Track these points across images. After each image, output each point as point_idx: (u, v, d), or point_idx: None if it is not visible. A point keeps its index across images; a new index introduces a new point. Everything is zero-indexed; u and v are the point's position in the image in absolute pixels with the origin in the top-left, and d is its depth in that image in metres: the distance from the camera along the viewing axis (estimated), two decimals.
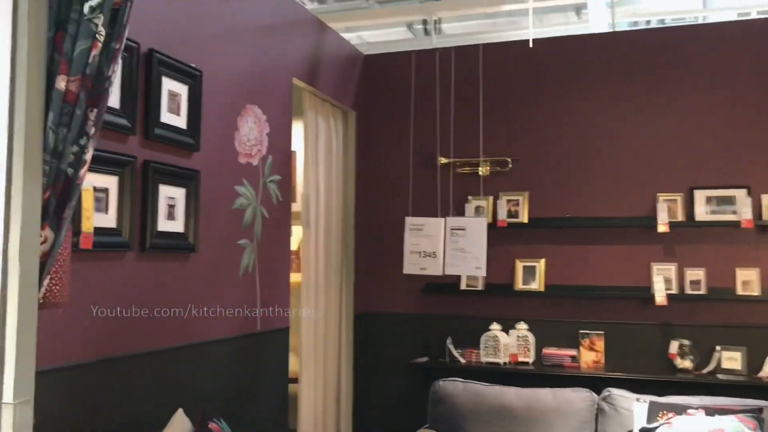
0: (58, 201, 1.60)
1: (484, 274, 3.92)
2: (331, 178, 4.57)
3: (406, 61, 4.92)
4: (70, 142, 1.59)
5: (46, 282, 1.64)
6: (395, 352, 4.80)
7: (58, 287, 1.90)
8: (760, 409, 2.88)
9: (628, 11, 4.75)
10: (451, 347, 4.59)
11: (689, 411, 2.94)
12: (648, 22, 5.02)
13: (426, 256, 3.79)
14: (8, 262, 1.50)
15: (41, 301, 1.86)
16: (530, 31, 3.59)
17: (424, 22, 5.27)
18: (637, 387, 3.99)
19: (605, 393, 3.30)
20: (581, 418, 3.21)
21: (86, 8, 1.59)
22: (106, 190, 2.53)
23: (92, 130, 1.62)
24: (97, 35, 1.59)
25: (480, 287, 4.64)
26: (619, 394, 3.25)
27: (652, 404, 3.07)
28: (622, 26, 4.71)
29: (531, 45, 3.92)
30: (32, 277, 1.54)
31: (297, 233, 4.44)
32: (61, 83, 1.58)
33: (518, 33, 4.97)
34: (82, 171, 1.61)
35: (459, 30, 5.41)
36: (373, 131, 5.02)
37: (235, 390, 3.35)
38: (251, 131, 3.52)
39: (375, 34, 5.49)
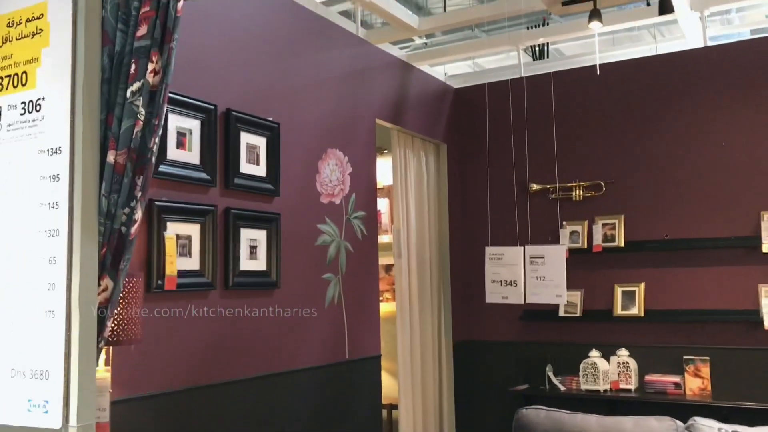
0: (113, 255, 1.91)
1: (565, 302, 3.91)
2: (423, 209, 4.74)
3: (495, 92, 5.01)
4: (120, 205, 1.90)
5: (109, 323, 1.94)
6: (495, 380, 4.84)
7: (129, 327, 2.23)
8: None
9: (723, 22, 4.58)
10: (551, 374, 4.57)
11: None
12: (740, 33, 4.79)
13: (507, 285, 3.84)
14: (71, 309, 1.81)
15: (112, 340, 2.19)
16: (596, 56, 3.59)
17: (533, 47, 5.30)
18: (748, 416, 3.78)
19: (690, 422, 3.18)
20: None
21: (128, 93, 1.90)
22: (189, 237, 2.86)
23: (140, 194, 1.92)
24: (138, 115, 1.89)
25: (578, 314, 4.60)
26: (704, 424, 3.12)
27: None
28: (717, 39, 4.53)
29: (598, 72, 3.90)
30: (91, 320, 1.84)
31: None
32: (110, 157, 1.89)
33: (627, 51, 4.91)
34: (134, 228, 1.91)
35: (573, 50, 5.40)
36: (465, 162, 5.14)
37: (326, 417, 3.58)
38: (333, 173, 3.79)
39: (487, 61, 5.59)
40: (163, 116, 1.95)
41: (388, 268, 5.26)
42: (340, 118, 3.89)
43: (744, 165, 4.26)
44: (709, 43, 4.52)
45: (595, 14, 3.51)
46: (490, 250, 3.99)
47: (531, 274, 3.79)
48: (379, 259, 4.25)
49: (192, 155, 2.90)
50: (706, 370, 4.21)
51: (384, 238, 5.12)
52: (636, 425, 3.23)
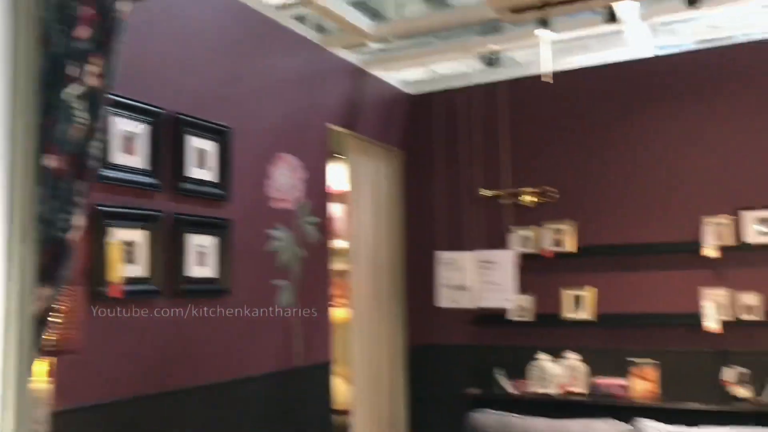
0: (52, 263, 1.86)
1: (513, 306, 3.96)
2: (378, 215, 4.75)
3: (449, 98, 5.05)
4: (59, 211, 1.85)
5: (48, 333, 1.89)
6: (448, 384, 4.87)
7: (69, 336, 2.17)
8: None
9: (667, 32, 4.69)
10: (501, 378, 4.62)
11: None
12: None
13: (458, 290, 3.88)
14: (8, 319, 1.76)
15: (52, 349, 2.14)
16: (548, 64, 3.65)
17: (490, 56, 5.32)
18: (692, 417, 3.89)
19: (634, 424, 3.26)
20: None
21: (69, 96, 1.86)
22: (135, 243, 2.81)
23: (80, 200, 1.88)
24: (78, 119, 1.85)
25: (529, 318, 4.66)
26: (648, 426, 3.20)
27: None
28: (665, 49, 4.64)
29: (551, 81, 3.98)
30: (28, 330, 1.79)
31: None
32: (49, 162, 1.85)
33: (579, 59, 4.98)
34: (74, 235, 1.86)
35: (526, 58, 5.43)
36: (419, 168, 5.17)
37: (277, 424, 3.55)
38: (285, 178, 3.77)
39: (443, 68, 5.58)
40: (105, 121, 1.91)
41: (342, 273, 5.24)
42: (292, 123, 3.87)
43: (687, 172, 4.38)
44: (657, 53, 4.64)
45: (543, 22, 3.57)
46: (442, 255, 4.01)
47: (481, 279, 3.82)
48: (333, 265, 4.25)
49: (138, 159, 2.86)
50: (651, 372, 4.31)
51: (339, 244, 5.10)
52: (583, 428, 3.30)
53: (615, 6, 3.52)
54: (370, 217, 4.64)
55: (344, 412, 4.72)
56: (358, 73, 4.61)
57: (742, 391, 4.07)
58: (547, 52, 3.73)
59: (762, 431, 2.99)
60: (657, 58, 4.60)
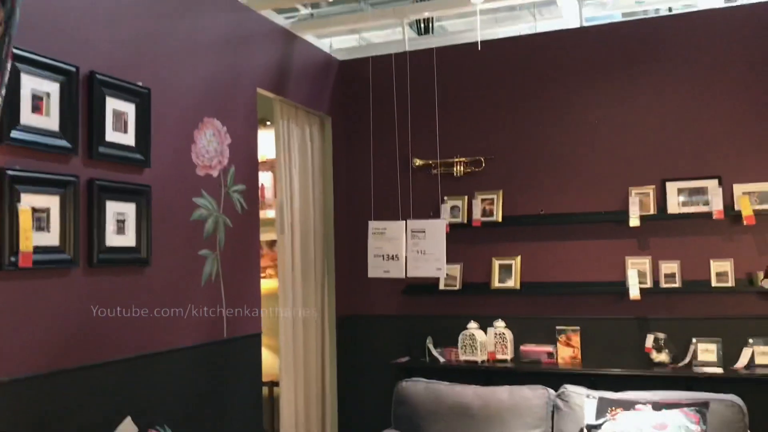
0: None
1: (444, 275, 3.96)
2: (307, 183, 4.65)
3: (380, 65, 4.97)
4: None
5: None
6: (378, 353, 4.86)
7: None
8: (706, 403, 2.87)
9: (596, 5, 4.74)
10: (431, 347, 4.64)
11: (637, 406, 2.95)
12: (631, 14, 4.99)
13: (389, 259, 3.84)
14: None
15: None
16: (477, 32, 3.61)
17: (418, 23, 5.26)
18: (615, 382, 3.98)
19: (561, 390, 3.31)
20: (537, 416, 3.23)
21: None
22: (47, 210, 2.64)
23: None
24: None
25: (458, 287, 4.68)
26: (573, 391, 3.26)
27: (601, 400, 3.08)
28: (593, 20, 4.68)
29: (479, 48, 3.95)
30: None
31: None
32: None
33: (509, 29, 4.97)
34: None
35: (457, 27, 5.39)
36: (350, 136, 5.08)
37: (204, 397, 3.45)
38: (210, 143, 3.62)
39: (374, 35, 5.49)
40: (7, 74, 1.75)
41: (272, 244, 5.14)
42: (218, 85, 3.71)
43: (614, 143, 4.45)
44: (585, 24, 4.67)
45: None
46: (372, 225, 3.96)
47: (412, 249, 3.79)
48: (261, 235, 4.14)
49: (50, 121, 2.67)
50: (576, 339, 4.40)
51: (267, 213, 4.99)
52: (511, 394, 3.33)
53: None
54: (298, 185, 4.53)
55: (273, 384, 4.66)
56: (287, 37, 4.47)
57: (662, 357, 4.20)
58: (478, 20, 3.70)
59: (680, 393, 3.08)
60: (585, 29, 4.63)
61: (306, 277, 4.57)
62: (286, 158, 4.43)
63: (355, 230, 4.94)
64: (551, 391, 3.34)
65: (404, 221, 3.88)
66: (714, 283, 4.16)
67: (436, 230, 3.76)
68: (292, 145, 4.50)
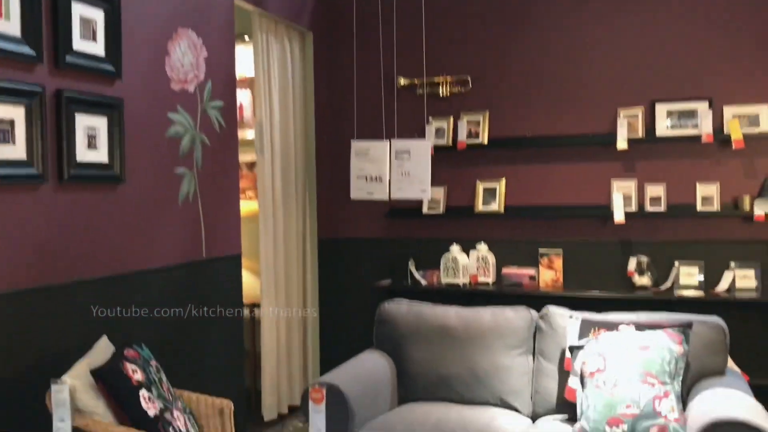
0: None
1: (429, 197, 3.88)
2: (287, 102, 4.49)
3: None
4: None
5: None
6: (360, 276, 4.83)
7: None
8: (689, 324, 2.86)
9: None
10: (413, 269, 4.61)
11: (620, 327, 2.94)
12: None
13: (372, 181, 3.74)
14: None
15: None
16: None
17: None
18: (596, 306, 3.98)
19: (543, 311, 3.29)
20: (519, 337, 3.21)
21: None
22: (11, 122, 2.49)
23: None
24: None
25: (441, 210, 4.61)
26: (556, 312, 3.24)
27: (584, 322, 3.06)
28: None
29: None
30: None
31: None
32: None
33: None
34: None
35: None
36: (332, 52, 4.90)
37: (184, 318, 3.39)
38: (185, 56, 3.44)
39: None
40: None
41: (251, 165, 5.01)
42: None
43: (603, 63, 4.33)
44: None
45: None
46: (355, 145, 3.84)
47: (396, 170, 3.69)
48: (240, 155, 4.01)
49: (10, 25, 2.49)
50: (558, 263, 4.39)
51: (247, 134, 4.84)
52: (494, 315, 3.31)
53: None
54: (278, 104, 4.37)
55: (254, 305, 4.62)
56: None
57: (644, 280, 4.21)
58: None
59: (663, 315, 3.08)
60: None
61: (287, 200, 4.47)
62: (266, 75, 4.26)
63: (337, 151, 4.82)
64: (534, 312, 3.32)
65: (388, 141, 3.76)
66: (699, 207, 4.13)
67: (421, 151, 3.65)
68: (271, 61, 4.32)
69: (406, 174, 3.66)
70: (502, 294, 4.35)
